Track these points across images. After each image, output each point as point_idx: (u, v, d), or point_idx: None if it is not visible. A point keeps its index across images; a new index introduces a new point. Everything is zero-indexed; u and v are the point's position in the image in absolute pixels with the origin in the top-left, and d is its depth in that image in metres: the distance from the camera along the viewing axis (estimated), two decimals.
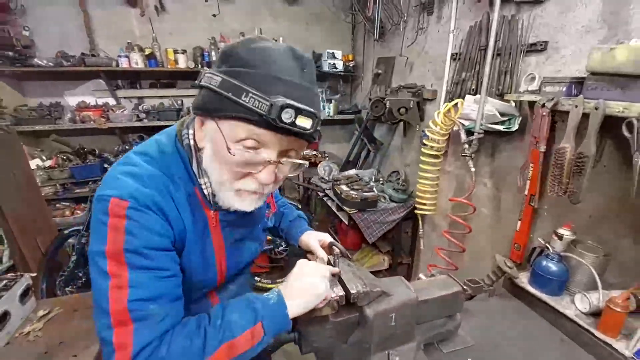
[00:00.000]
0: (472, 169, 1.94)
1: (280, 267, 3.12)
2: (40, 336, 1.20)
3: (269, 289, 0.72)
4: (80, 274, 2.07)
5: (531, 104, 1.54)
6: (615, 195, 1.35)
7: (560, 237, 1.31)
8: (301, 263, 0.74)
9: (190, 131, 0.69)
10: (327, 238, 0.97)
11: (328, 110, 3.63)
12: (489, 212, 2.06)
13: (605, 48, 1.05)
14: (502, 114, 1.73)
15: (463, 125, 1.93)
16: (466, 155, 1.93)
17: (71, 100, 3.09)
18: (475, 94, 1.92)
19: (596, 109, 1.08)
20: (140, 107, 3.19)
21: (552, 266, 1.23)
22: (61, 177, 2.91)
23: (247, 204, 0.68)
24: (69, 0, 2.84)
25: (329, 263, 0.88)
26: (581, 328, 1.07)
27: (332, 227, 3.43)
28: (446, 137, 2.11)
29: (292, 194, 4.02)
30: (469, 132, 1.90)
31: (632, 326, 1.01)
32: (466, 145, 1.92)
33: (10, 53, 2.59)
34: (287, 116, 0.56)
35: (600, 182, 1.37)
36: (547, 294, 1.22)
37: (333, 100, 3.63)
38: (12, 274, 1.34)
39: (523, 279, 1.32)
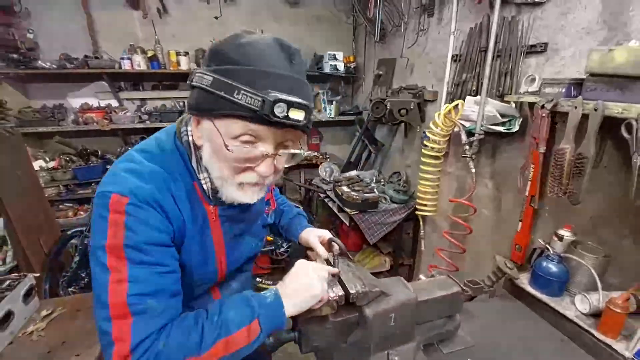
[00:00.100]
0: (473, 170, 1.94)
1: (281, 268, 3.13)
2: (43, 336, 1.22)
3: None
4: (83, 275, 2.08)
5: (531, 105, 1.54)
6: (615, 196, 1.35)
7: (561, 238, 1.31)
8: (300, 263, 0.74)
9: (189, 128, 0.70)
10: (326, 234, 0.98)
11: (329, 112, 3.64)
12: (490, 213, 2.06)
13: (604, 49, 1.05)
14: (502, 115, 1.73)
15: (464, 126, 1.93)
16: (467, 156, 1.93)
17: (74, 102, 3.12)
18: (475, 95, 1.93)
19: (595, 110, 1.08)
20: (142, 109, 3.21)
21: (553, 267, 1.23)
22: (64, 178, 2.93)
23: (249, 196, 0.69)
24: (73, 3, 2.87)
25: (328, 263, 0.89)
26: (581, 329, 1.07)
27: (333, 228, 3.44)
28: (447, 138, 2.11)
29: (293, 196, 4.03)
30: (470, 133, 1.91)
31: (632, 327, 1.01)
32: (467, 147, 1.92)
33: (15, 55, 2.62)
34: (279, 110, 0.57)
35: (600, 183, 1.37)
36: (547, 294, 1.22)
37: (334, 102, 3.64)
38: (16, 274, 1.36)
39: (523, 280, 1.32)
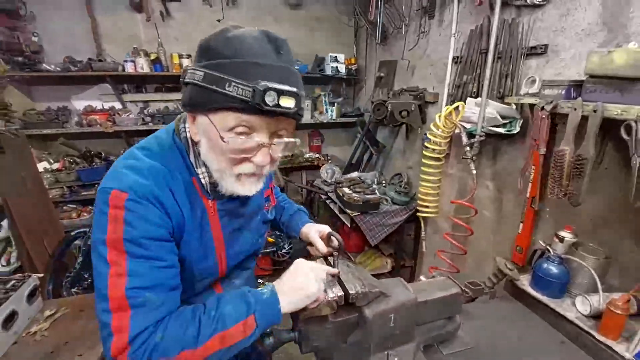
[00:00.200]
0: (474, 172, 1.94)
1: (283, 270, 3.12)
2: (47, 336, 1.22)
3: None
4: (86, 276, 2.10)
5: (532, 106, 1.54)
6: (616, 198, 1.35)
7: (561, 240, 1.31)
8: (298, 262, 0.75)
9: (187, 125, 0.72)
10: (326, 229, 1.00)
11: (331, 113, 3.65)
12: (491, 214, 2.06)
13: (603, 51, 1.06)
14: (503, 117, 1.74)
15: (464, 128, 1.93)
16: (467, 158, 1.94)
17: (78, 104, 3.15)
18: (476, 96, 1.93)
19: (595, 111, 1.09)
20: (145, 111, 3.23)
21: (553, 268, 1.23)
22: (68, 179, 2.95)
23: (247, 188, 0.70)
24: (77, 6, 2.90)
25: (328, 263, 0.90)
26: (582, 330, 1.07)
27: (334, 229, 3.43)
28: (448, 140, 2.11)
29: (295, 197, 4.04)
30: (471, 135, 1.91)
31: (632, 328, 1.01)
32: (467, 148, 1.92)
33: (20, 58, 2.65)
34: (270, 99, 0.58)
35: (601, 184, 1.37)
36: (548, 296, 1.22)
37: (336, 104, 3.65)
38: (20, 274, 1.37)
39: (524, 282, 1.32)
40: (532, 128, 1.51)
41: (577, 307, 1.14)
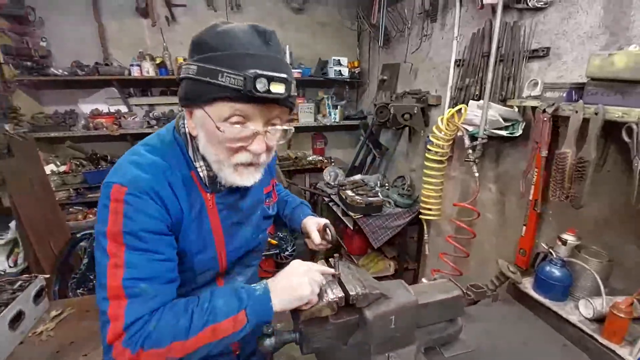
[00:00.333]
0: (476, 174, 1.94)
1: None
2: (53, 336, 1.24)
3: None
4: (92, 277, 2.12)
5: (534, 109, 1.54)
6: (619, 201, 1.34)
7: (564, 242, 1.30)
8: (294, 263, 0.76)
9: (186, 121, 0.74)
10: (323, 221, 1.01)
11: (334, 116, 3.67)
12: (494, 217, 2.05)
13: (604, 54, 1.06)
14: (505, 120, 1.74)
15: (467, 130, 1.93)
16: (470, 161, 1.94)
17: (85, 107, 3.20)
18: (478, 99, 1.93)
19: (596, 114, 1.09)
20: (151, 114, 3.27)
21: (556, 271, 1.22)
22: (75, 182, 2.99)
23: (246, 179, 0.72)
24: (85, 12, 2.96)
25: (329, 265, 0.90)
26: (585, 334, 1.06)
27: (337, 232, 3.44)
28: (450, 143, 2.11)
29: None
30: (473, 138, 1.91)
31: (636, 332, 1.00)
32: (470, 151, 1.92)
33: (29, 63, 2.70)
34: (260, 85, 0.60)
35: (604, 187, 1.36)
36: (550, 299, 1.22)
37: (339, 107, 3.67)
38: (27, 275, 1.39)
39: (527, 285, 1.32)
40: (534, 131, 1.51)
41: (580, 311, 1.14)
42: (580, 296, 1.18)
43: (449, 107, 2.18)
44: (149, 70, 3.01)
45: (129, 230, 0.62)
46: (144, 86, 3.31)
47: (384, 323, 0.82)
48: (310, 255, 3.00)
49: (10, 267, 2.08)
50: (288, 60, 3.47)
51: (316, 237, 0.98)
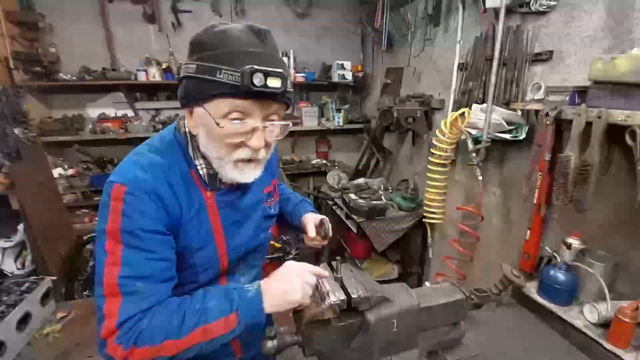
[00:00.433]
0: (480, 178, 1.94)
1: None
2: (59, 337, 1.26)
3: None
4: None
5: (538, 112, 1.54)
6: (624, 204, 1.33)
7: (569, 246, 1.29)
8: (287, 265, 0.76)
9: (186, 121, 0.76)
10: (320, 216, 1.02)
11: (338, 120, 3.68)
12: (498, 221, 2.04)
13: (606, 57, 1.06)
14: (508, 123, 1.73)
15: (470, 134, 1.93)
16: (474, 164, 1.93)
17: (92, 112, 3.25)
18: (482, 103, 1.93)
19: (599, 117, 1.08)
20: (157, 118, 3.32)
21: (560, 276, 1.22)
22: (82, 185, 3.04)
23: (246, 175, 0.74)
24: (93, 18, 3.02)
25: (331, 268, 0.91)
26: (590, 339, 1.05)
27: (341, 236, 3.44)
28: (453, 146, 2.11)
29: None
30: (477, 141, 1.91)
31: None
32: (473, 154, 1.92)
33: (38, 68, 2.76)
34: (257, 80, 0.62)
35: (610, 190, 1.35)
36: (555, 304, 1.21)
37: (343, 110, 3.68)
38: (34, 277, 1.41)
39: (531, 289, 1.31)
40: (537, 134, 1.50)
41: (585, 315, 1.13)
42: (585, 301, 1.17)
43: (452, 111, 2.19)
44: (155, 75, 3.05)
45: (126, 229, 0.64)
46: (150, 91, 3.35)
47: (386, 326, 0.82)
48: (314, 258, 3.00)
49: (18, 269, 2.10)
50: (292, 64, 3.50)
51: (311, 230, 0.99)
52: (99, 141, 3.13)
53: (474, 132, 1.92)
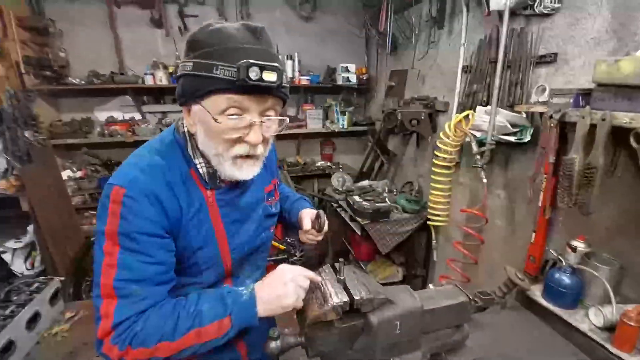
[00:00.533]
0: (484, 180, 1.93)
1: None
2: (67, 336, 1.28)
3: None
4: None
5: (542, 115, 1.54)
6: (630, 207, 1.32)
7: (574, 249, 1.29)
8: (281, 269, 0.76)
9: (184, 120, 0.77)
10: (317, 211, 1.03)
11: (342, 122, 3.69)
12: (503, 223, 2.03)
13: (610, 60, 1.06)
14: (513, 125, 1.73)
15: (475, 136, 1.93)
16: (478, 167, 1.93)
17: (101, 115, 3.31)
18: (486, 105, 1.93)
19: (603, 120, 1.08)
20: (163, 121, 3.36)
21: (565, 279, 1.21)
22: (90, 187, 3.08)
23: (245, 172, 0.74)
24: (101, 23, 3.08)
25: (335, 270, 0.91)
26: (595, 343, 1.04)
27: (345, 238, 3.44)
28: (458, 149, 2.11)
29: None
30: (481, 143, 1.91)
31: None
32: (478, 157, 1.92)
33: (48, 73, 2.81)
34: (253, 74, 0.62)
35: (615, 193, 1.34)
36: (560, 307, 1.20)
37: (347, 113, 3.69)
38: (43, 277, 1.44)
39: (536, 292, 1.30)
40: (542, 136, 1.50)
41: (590, 319, 1.12)
42: (590, 304, 1.16)
43: (456, 113, 2.18)
44: (162, 78, 3.10)
45: (124, 232, 0.64)
46: (157, 94, 3.40)
47: (389, 328, 0.82)
48: (318, 260, 3.00)
49: (27, 269, 2.14)
50: (297, 67, 3.52)
51: (307, 224, 0.99)
52: (107, 144, 3.17)
53: (478, 134, 1.92)
